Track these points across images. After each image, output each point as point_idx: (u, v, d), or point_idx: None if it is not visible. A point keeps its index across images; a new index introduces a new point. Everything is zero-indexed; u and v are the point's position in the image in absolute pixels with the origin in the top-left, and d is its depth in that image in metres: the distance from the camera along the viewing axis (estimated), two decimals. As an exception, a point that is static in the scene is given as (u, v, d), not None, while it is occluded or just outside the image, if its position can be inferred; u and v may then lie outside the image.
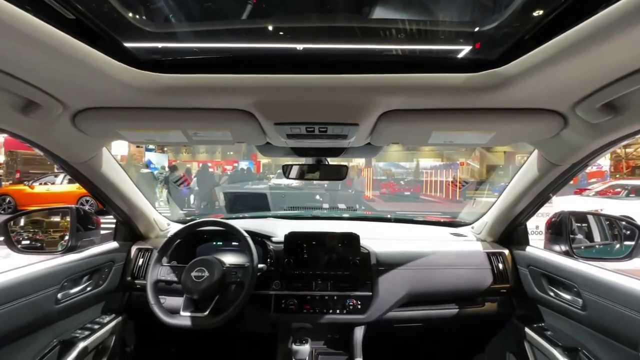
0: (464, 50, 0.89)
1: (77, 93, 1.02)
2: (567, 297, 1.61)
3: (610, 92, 0.90)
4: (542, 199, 1.71)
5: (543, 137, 1.22)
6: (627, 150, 22.60)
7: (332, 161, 1.82)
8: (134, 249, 2.06)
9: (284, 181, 17.11)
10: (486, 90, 0.93)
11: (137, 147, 17.16)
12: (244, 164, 22.95)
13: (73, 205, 1.85)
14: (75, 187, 11.46)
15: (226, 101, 1.05)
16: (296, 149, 1.57)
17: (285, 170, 1.84)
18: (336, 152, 1.58)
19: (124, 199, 1.85)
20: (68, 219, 1.81)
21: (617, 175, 20.05)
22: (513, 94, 0.95)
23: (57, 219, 1.87)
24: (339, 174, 1.80)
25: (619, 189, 10.84)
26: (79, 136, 1.27)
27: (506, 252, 2.05)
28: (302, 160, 1.81)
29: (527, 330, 1.80)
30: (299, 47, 0.90)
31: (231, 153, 32.06)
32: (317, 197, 10.83)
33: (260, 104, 1.04)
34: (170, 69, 0.93)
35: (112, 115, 1.13)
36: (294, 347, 1.77)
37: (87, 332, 1.69)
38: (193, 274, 1.67)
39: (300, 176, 1.82)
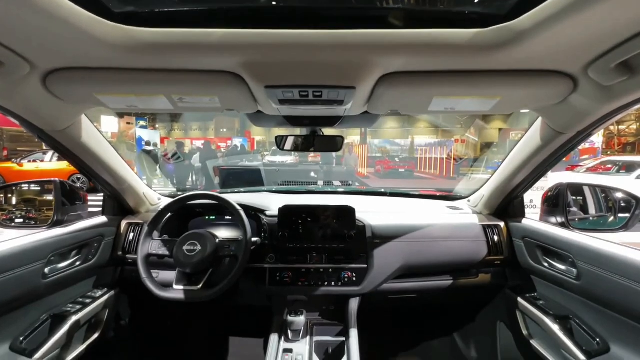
0: (473, 1, 0.82)
1: (43, 50, 0.92)
2: (562, 267, 1.62)
3: (629, 48, 0.84)
4: (542, 170, 1.68)
5: (550, 102, 1.17)
6: (620, 127, 22.71)
7: (327, 133, 1.76)
8: (123, 224, 2.01)
9: (279, 158, 17.05)
10: (494, 48, 0.87)
11: (128, 123, 16.81)
12: (237, 141, 22.71)
13: (57, 179, 1.79)
14: (65, 165, 11.27)
15: (212, 61, 0.97)
16: (290, 118, 1.50)
17: (279, 141, 1.77)
18: (332, 121, 1.52)
19: (110, 172, 1.78)
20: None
21: (609, 152, 20.23)
22: (522, 53, 0.89)
23: (49, 197, 1.81)
24: (335, 145, 1.74)
25: (609, 166, 10.92)
26: (54, 101, 1.18)
27: (502, 224, 2.04)
28: (297, 132, 1.75)
29: (519, 300, 1.82)
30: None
31: (224, 130, 31.68)
32: (312, 174, 10.81)
33: (249, 65, 0.97)
34: (147, 22, 0.84)
35: (86, 77, 1.03)
36: (289, 318, 1.77)
37: (78, 306, 1.67)
38: (185, 247, 1.64)
39: (295, 148, 1.76)
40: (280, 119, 1.51)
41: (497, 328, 2.14)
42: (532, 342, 1.75)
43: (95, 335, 1.79)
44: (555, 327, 1.55)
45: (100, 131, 1.69)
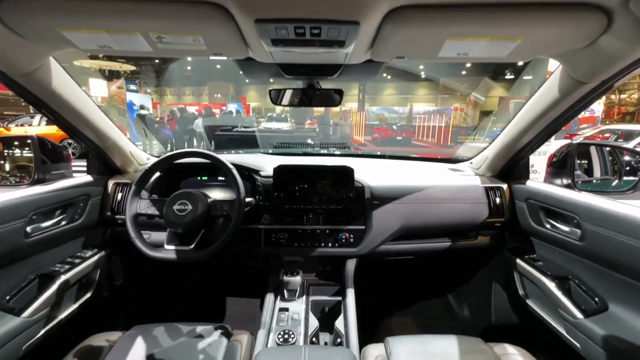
0: None
1: None
2: (566, 228, 1.59)
3: None
4: (554, 127, 1.59)
5: (575, 45, 1.05)
6: (621, 96, 22.44)
7: (325, 87, 1.64)
8: (111, 184, 1.92)
9: (274, 125, 16.81)
10: None
11: (118, 88, 16.31)
12: (232, 107, 22.26)
13: (34, 134, 1.67)
14: (54, 129, 11.01)
15: None
16: (284, 67, 1.37)
17: (275, 96, 1.65)
18: (331, 70, 1.39)
19: (92, 128, 1.67)
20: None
21: (607, 122, 20.10)
22: None
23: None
24: (333, 99, 1.63)
25: (608, 134, 10.84)
26: (13, 38, 1.05)
27: (504, 186, 1.99)
28: (294, 86, 1.63)
29: (517, 260, 1.81)
30: None
31: (218, 96, 31.01)
32: (309, 140, 10.69)
33: None
34: None
35: (46, 7, 0.90)
36: (285, 278, 1.74)
37: (67, 266, 1.62)
38: (175, 207, 1.58)
39: (291, 102, 1.64)
40: (274, 69, 1.38)
41: (492, 289, 2.14)
42: (528, 301, 1.76)
43: (88, 295, 1.75)
44: (553, 287, 1.54)
45: (89, 95, 1.58)
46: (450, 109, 22.78)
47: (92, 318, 1.79)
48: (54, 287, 1.52)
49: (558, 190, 1.67)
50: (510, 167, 1.98)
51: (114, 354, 1.38)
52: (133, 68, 23.35)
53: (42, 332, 1.47)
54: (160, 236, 1.82)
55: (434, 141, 19.01)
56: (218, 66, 28.78)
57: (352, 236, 1.85)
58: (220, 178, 2.07)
